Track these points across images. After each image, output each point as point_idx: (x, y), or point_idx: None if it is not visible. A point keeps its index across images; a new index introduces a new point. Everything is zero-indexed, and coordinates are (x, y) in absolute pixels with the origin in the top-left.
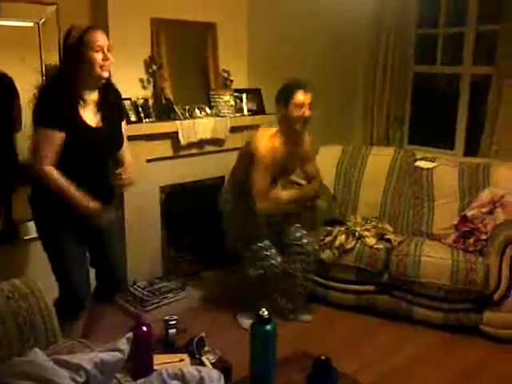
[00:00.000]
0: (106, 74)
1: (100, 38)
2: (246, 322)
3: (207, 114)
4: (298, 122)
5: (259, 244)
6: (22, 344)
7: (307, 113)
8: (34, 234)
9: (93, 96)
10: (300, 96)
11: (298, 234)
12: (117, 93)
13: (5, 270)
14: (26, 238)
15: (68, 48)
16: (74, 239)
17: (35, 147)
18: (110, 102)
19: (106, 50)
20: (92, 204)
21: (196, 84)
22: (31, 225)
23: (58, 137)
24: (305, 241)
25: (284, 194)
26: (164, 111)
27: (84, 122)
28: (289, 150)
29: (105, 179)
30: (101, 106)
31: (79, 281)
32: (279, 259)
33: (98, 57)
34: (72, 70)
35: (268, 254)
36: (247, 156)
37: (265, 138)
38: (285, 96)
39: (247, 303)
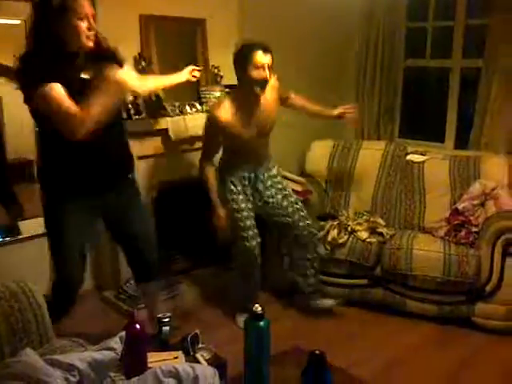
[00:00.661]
0: (90, 44)
1: (85, 4)
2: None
3: (197, 110)
4: (257, 84)
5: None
6: (15, 344)
7: (267, 74)
8: (31, 233)
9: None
10: (259, 56)
11: (290, 210)
12: (115, 55)
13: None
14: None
15: (49, 12)
16: (80, 217)
17: (55, 107)
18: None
19: (91, 18)
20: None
21: (186, 80)
22: (27, 223)
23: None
24: (296, 217)
25: None
26: (154, 108)
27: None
28: (250, 112)
29: (114, 146)
30: (93, 61)
31: (71, 257)
32: (254, 243)
33: (83, 25)
34: (53, 39)
35: (244, 235)
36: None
37: (219, 106)
38: (243, 57)
39: (246, 300)
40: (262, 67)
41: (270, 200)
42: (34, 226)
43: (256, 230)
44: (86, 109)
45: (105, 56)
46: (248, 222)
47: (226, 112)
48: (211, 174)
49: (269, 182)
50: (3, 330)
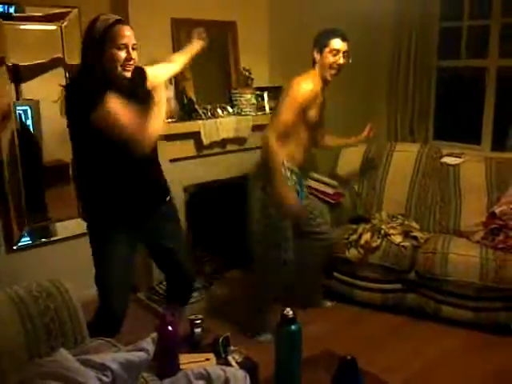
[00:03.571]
0: (127, 74)
1: (126, 34)
2: (264, 336)
3: (229, 113)
4: (330, 68)
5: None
6: (50, 344)
7: (342, 60)
8: (64, 235)
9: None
10: (337, 42)
11: (318, 220)
12: (141, 73)
13: (36, 270)
14: (54, 238)
15: (90, 43)
16: (125, 246)
17: (112, 122)
18: (137, 87)
19: (130, 48)
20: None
21: (217, 83)
22: (60, 225)
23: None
24: (324, 227)
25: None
26: (186, 111)
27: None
28: (317, 96)
29: (153, 169)
30: (131, 95)
31: (121, 291)
32: (292, 256)
33: (121, 54)
34: (95, 68)
35: (285, 246)
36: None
37: (306, 79)
38: (321, 41)
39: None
40: (338, 53)
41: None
42: (69, 227)
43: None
44: (151, 121)
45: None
46: (289, 233)
47: (315, 83)
48: (281, 154)
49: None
50: (40, 329)
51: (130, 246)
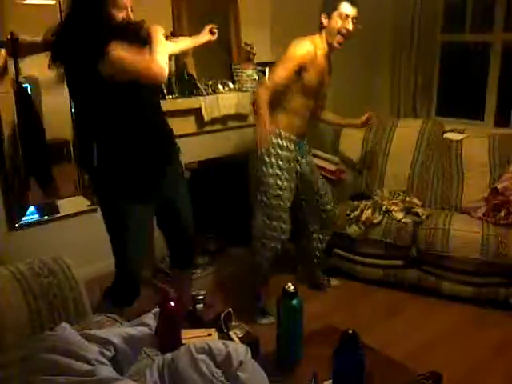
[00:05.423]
0: (121, 15)
1: None
2: (265, 318)
3: (230, 89)
4: (339, 34)
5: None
6: (53, 319)
7: (350, 26)
8: (66, 212)
9: None
10: (346, 7)
11: (322, 192)
12: (141, 28)
13: (38, 248)
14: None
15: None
16: (141, 207)
17: (129, 63)
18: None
19: (130, 10)
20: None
21: (218, 59)
22: (62, 202)
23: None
24: (326, 199)
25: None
26: (187, 87)
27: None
28: (322, 61)
29: (162, 126)
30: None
31: (139, 253)
32: (289, 226)
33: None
34: (91, 14)
35: (282, 216)
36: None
37: (307, 40)
38: (330, 4)
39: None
40: (347, 18)
41: (306, 178)
42: (70, 204)
43: (289, 224)
44: (153, 54)
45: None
46: (286, 214)
47: (315, 45)
48: (267, 98)
49: (309, 157)
50: (43, 305)
51: (147, 209)
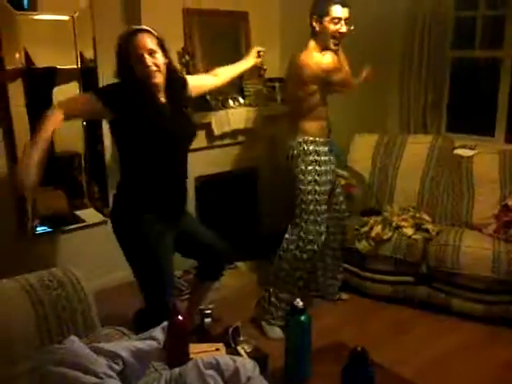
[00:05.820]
0: (155, 80)
1: (141, 45)
2: (274, 332)
3: (240, 104)
4: (332, 37)
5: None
6: (61, 332)
7: (344, 28)
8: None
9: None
10: (337, 10)
11: (341, 198)
12: (181, 80)
13: (49, 259)
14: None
15: (119, 61)
16: (163, 234)
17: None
18: (175, 93)
19: (147, 54)
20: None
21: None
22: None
23: (93, 102)
24: (343, 207)
25: None
26: (197, 102)
27: (158, 108)
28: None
29: (183, 178)
30: (168, 99)
31: (170, 282)
32: (324, 229)
33: (142, 66)
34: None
35: (319, 220)
36: (307, 78)
37: (313, 52)
38: (320, 9)
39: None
40: (339, 21)
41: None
42: (81, 217)
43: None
44: None
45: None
46: (323, 217)
47: (326, 57)
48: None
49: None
50: (51, 318)
51: (171, 242)
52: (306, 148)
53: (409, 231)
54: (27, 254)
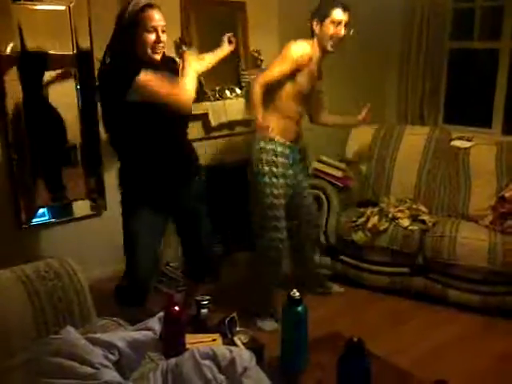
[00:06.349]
0: (157, 57)
1: (155, 17)
2: (268, 324)
3: (237, 95)
4: (331, 40)
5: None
6: (58, 323)
7: (343, 31)
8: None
9: None
10: (338, 13)
11: (309, 200)
12: (172, 62)
13: (45, 250)
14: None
15: (122, 24)
16: (153, 211)
17: (157, 92)
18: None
19: (160, 30)
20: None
21: (226, 65)
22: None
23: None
24: (312, 209)
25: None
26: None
27: None
28: (315, 64)
29: (185, 147)
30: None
31: (145, 258)
32: (285, 235)
33: (151, 37)
34: (126, 52)
35: (278, 225)
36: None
37: (300, 42)
38: (322, 11)
39: (263, 299)
40: (339, 24)
41: (301, 185)
42: (77, 208)
43: (285, 222)
44: (182, 84)
45: (166, 63)
46: (281, 212)
47: (311, 49)
48: (261, 93)
49: (301, 164)
50: (48, 308)
51: (160, 216)
52: (263, 145)
53: (405, 222)
54: (23, 244)
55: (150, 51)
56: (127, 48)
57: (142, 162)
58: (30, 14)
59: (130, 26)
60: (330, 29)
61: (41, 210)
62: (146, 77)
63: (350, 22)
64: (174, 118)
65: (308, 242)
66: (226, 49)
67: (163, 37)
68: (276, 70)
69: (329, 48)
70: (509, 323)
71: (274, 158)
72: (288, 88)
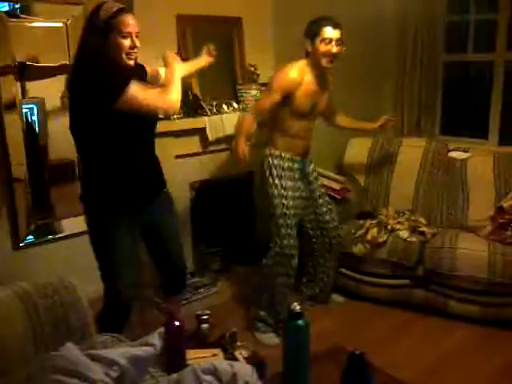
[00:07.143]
0: (131, 63)
1: (130, 23)
2: (269, 338)
3: (234, 109)
4: (324, 57)
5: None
6: (57, 339)
7: (335, 49)
8: (69, 232)
9: None
10: (328, 31)
11: (324, 209)
12: (142, 69)
13: (42, 267)
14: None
15: (94, 30)
16: (127, 232)
17: (142, 101)
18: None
19: (134, 36)
20: None
21: (223, 79)
22: (65, 222)
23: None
24: (327, 217)
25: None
26: (191, 107)
27: None
28: (314, 83)
29: (152, 158)
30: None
31: (128, 279)
32: (296, 242)
33: (126, 43)
34: (98, 56)
35: (290, 232)
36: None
37: (292, 68)
38: (313, 30)
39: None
40: (330, 41)
41: (312, 195)
42: (74, 224)
43: (297, 241)
44: (168, 94)
45: (139, 70)
46: (292, 220)
47: (300, 72)
48: (251, 123)
49: (313, 175)
50: (46, 324)
51: (132, 233)
52: (271, 161)
53: (404, 234)
54: (21, 262)
55: (124, 57)
56: (99, 50)
57: (111, 171)
58: (26, 31)
59: (104, 30)
60: (322, 47)
61: (36, 229)
62: (136, 87)
63: (343, 38)
64: (146, 124)
65: (325, 252)
66: (203, 60)
67: (137, 42)
68: (267, 102)
69: (324, 64)
70: (509, 334)
71: (282, 173)
72: (287, 110)
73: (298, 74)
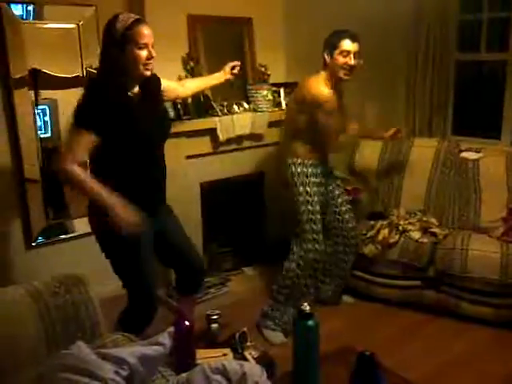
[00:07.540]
0: (148, 73)
1: (146, 33)
2: (277, 337)
3: (245, 110)
4: (342, 69)
5: (311, 225)
6: (68, 338)
7: (353, 61)
8: (81, 231)
9: (134, 90)
10: (346, 43)
11: (343, 208)
12: (157, 80)
13: (54, 267)
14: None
15: (111, 42)
16: (142, 239)
17: (67, 146)
18: (152, 91)
19: (150, 46)
20: (128, 214)
21: (233, 80)
22: (77, 222)
23: (88, 139)
24: (347, 216)
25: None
26: (202, 108)
27: (135, 115)
28: (335, 96)
29: (160, 176)
30: (143, 97)
31: (152, 285)
32: (322, 247)
33: (143, 54)
34: (116, 68)
35: (315, 237)
36: (304, 106)
37: (321, 83)
38: (331, 43)
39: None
40: (348, 54)
41: (330, 195)
42: (85, 224)
43: (323, 244)
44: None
45: (153, 80)
46: (318, 226)
47: (327, 87)
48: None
49: (333, 175)
50: (58, 323)
51: (150, 239)
52: (294, 170)
53: (416, 235)
54: (33, 261)
55: (141, 68)
56: (117, 63)
57: (124, 179)
58: (39, 32)
59: (121, 42)
60: (340, 59)
61: (48, 228)
62: (86, 139)
63: (360, 51)
64: (152, 143)
65: (342, 252)
66: (221, 77)
67: (153, 52)
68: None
69: (342, 75)
70: None
71: (306, 180)
72: (309, 120)
73: (327, 90)
